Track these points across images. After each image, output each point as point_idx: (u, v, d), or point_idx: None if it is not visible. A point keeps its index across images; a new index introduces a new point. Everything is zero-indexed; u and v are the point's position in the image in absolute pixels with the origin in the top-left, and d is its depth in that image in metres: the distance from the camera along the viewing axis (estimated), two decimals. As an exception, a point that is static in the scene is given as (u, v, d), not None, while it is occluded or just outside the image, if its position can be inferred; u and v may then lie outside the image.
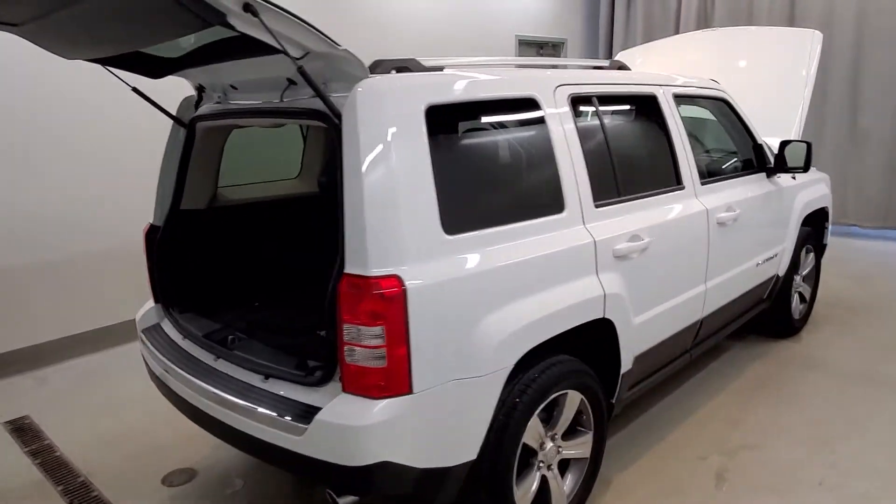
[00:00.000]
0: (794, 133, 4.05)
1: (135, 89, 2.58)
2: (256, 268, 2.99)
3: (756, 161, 3.65)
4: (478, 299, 1.99)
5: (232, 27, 1.62)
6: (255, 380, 2.20)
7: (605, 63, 2.92)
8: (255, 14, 1.58)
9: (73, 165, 4.26)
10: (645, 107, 2.93)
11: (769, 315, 4.15)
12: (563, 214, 2.32)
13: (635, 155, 2.87)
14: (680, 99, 3.11)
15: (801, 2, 7.00)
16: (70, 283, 4.35)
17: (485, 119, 2.20)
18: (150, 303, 2.83)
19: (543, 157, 2.30)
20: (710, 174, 3.25)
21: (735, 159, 3.63)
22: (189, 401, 2.33)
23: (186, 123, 2.66)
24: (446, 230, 1.95)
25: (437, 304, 1.89)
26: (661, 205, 2.77)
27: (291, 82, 2.15)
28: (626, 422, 3.26)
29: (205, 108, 2.61)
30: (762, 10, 7.23)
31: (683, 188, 2.93)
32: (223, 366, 2.33)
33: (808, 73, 4.18)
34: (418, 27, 6.49)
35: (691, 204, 2.94)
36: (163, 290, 2.74)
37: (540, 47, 8.23)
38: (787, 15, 7.04)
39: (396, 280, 1.82)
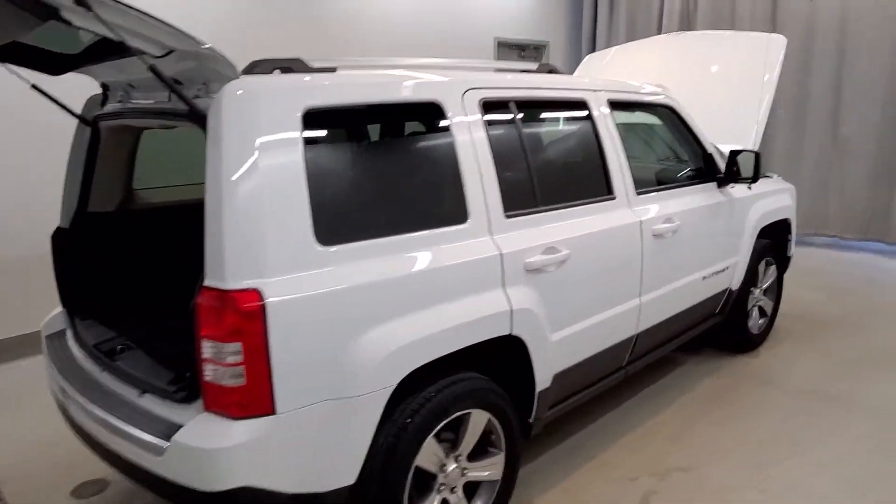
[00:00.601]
0: (752, 141, 3.92)
1: (34, 86, 2.48)
2: (165, 273, 2.89)
3: (705, 171, 3.52)
4: (355, 314, 1.88)
5: (68, 22, 1.52)
6: (132, 394, 2.09)
7: (533, 67, 2.80)
8: (88, 8, 1.48)
9: None
10: (574, 113, 2.81)
11: (724, 329, 4.02)
12: (466, 225, 2.20)
13: (558, 163, 2.75)
14: (617, 105, 2.99)
15: (783, 7, 6.85)
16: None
17: (375, 124, 2.09)
18: (58, 308, 2.73)
19: (445, 166, 2.19)
20: (651, 184, 3.13)
21: (682, 169, 3.51)
22: (70, 411, 2.23)
23: (90, 122, 2.56)
24: (321, 241, 1.84)
25: (306, 320, 1.78)
26: (585, 215, 2.65)
27: (177, 82, 2.05)
28: (559, 440, 3.14)
29: (108, 107, 2.51)
30: (744, 14, 7.09)
31: (614, 198, 2.81)
32: (106, 378, 2.22)
33: (770, 79, 4.05)
34: (389, 27, 6.38)
35: (623, 215, 2.82)
36: (68, 295, 2.64)
37: (521, 50, 8.11)
38: (769, 19, 6.90)
39: (256, 294, 1.71)
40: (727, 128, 4.03)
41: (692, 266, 3.31)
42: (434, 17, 6.78)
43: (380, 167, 2.09)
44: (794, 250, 6.45)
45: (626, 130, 3.74)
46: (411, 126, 2.18)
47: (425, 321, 2.02)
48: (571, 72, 5.79)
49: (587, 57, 5.11)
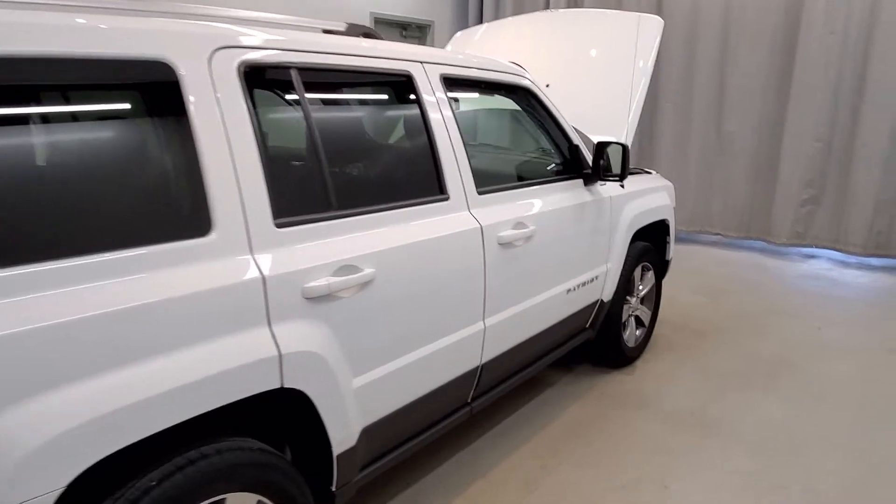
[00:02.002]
0: (625, 132, 3.47)
1: None
2: None
3: (570, 166, 3.03)
4: (-19, 386, 1.19)
5: None
6: None
7: (341, 27, 2.17)
8: None
9: None
10: (391, 90, 2.21)
11: (596, 346, 3.57)
12: (210, 238, 1.55)
13: (366, 155, 2.14)
14: (455, 83, 2.42)
15: (669, -4, 6.59)
16: None
17: (45, 93, 1.38)
18: None
19: (169, 154, 1.52)
20: (502, 181, 2.58)
21: (542, 164, 2.99)
22: None
23: None
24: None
25: None
26: (402, 221, 2.05)
27: None
28: (387, 495, 2.55)
29: None
30: (630, 1, 6.77)
31: (448, 199, 2.23)
32: None
33: (646, 65, 3.61)
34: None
35: (458, 220, 2.24)
36: None
37: (403, 29, 7.48)
38: (655, 6, 6.60)
39: None
40: (600, 118, 3.56)
41: (553, 278, 2.80)
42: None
43: (49, 158, 1.38)
44: (680, 249, 6.17)
45: (474, 116, 3.18)
46: (114, 96, 1.48)
47: (113, 388, 1.34)
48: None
49: (457, 34, 4.54)
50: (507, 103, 2.86)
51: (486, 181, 2.46)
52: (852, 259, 6.18)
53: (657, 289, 3.98)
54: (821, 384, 3.58)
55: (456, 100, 3.00)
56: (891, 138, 5.64)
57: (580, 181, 3.03)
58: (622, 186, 3.36)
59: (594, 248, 3.11)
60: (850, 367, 3.82)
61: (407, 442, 2.26)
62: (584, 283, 3.06)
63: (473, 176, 2.36)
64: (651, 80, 6.85)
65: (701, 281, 5.56)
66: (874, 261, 6.11)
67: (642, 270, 3.78)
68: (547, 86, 3.81)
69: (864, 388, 3.54)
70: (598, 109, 3.60)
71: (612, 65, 3.68)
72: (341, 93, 2.10)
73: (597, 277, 3.18)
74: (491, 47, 4.17)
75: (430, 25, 7.65)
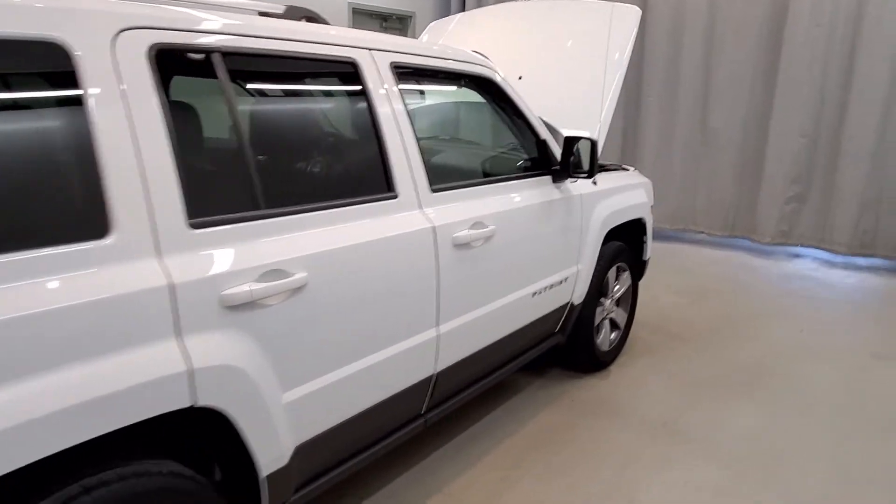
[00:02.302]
0: (597, 126, 3.32)
1: None
2: None
3: (538, 162, 2.87)
4: None
5: None
6: None
7: (279, 9, 2.00)
8: None
9: None
10: (332, 79, 2.05)
11: (567, 350, 3.43)
12: (108, 241, 1.38)
13: (297, 150, 1.97)
14: (408, 73, 2.25)
15: (655, -12, 6.43)
16: None
17: None
18: None
19: (63, 147, 1.35)
20: (463, 177, 2.42)
21: (507, 159, 2.84)
22: None
23: None
24: None
25: None
26: (338, 222, 1.88)
27: None
28: (337, 512, 2.40)
29: None
30: (616, -7, 6.61)
31: (396, 197, 2.07)
32: None
33: (622, 57, 3.46)
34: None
35: (407, 220, 2.08)
36: None
37: (383, 20, 7.29)
38: (638, 1, 6.45)
39: None
40: (573, 112, 3.40)
41: (517, 281, 2.65)
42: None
43: None
44: (663, 247, 6.04)
45: (433, 109, 3.03)
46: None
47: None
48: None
49: (430, 25, 4.37)
50: (470, 95, 2.70)
51: (443, 178, 2.30)
52: (838, 258, 6.06)
53: (633, 290, 3.83)
54: (801, 392, 3.45)
55: (421, 92, 2.85)
56: (877, 134, 5.51)
57: (548, 178, 2.87)
58: (594, 183, 3.21)
59: (563, 249, 2.95)
60: (833, 373, 3.68)
61: (351, 458, 2.10)
62: (551, 286, 2.90)
63: (427, 173, 2.20)
64: (635, 73, 6.73)
65: (683, 281, 5.42)
66: (860, 260, 5.99)
67: (617, 271, 3.64)
68: (520, 78, 3.65)
69: (847, 396, 3.41)
70: (572, 103, 3.44)
71: (586, 56, 3.52)
72: (273, 82, 1.94)
73: (566, 279, 3.02)
74: (464, 38, 4.00)
75: (411, 17, 7.47)
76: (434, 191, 2.21)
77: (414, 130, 2.17)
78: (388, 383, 2.09)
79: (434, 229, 2.15)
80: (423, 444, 2.86)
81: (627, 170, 4.00)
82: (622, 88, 6.78)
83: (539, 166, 2.87)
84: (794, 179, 5.96)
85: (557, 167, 2.86)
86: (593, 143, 2.75)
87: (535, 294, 2.79)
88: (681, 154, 6.55)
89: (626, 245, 3.61)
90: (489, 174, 2.63)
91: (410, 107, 2.22)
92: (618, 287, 3.67)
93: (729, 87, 6.17)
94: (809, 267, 5.93)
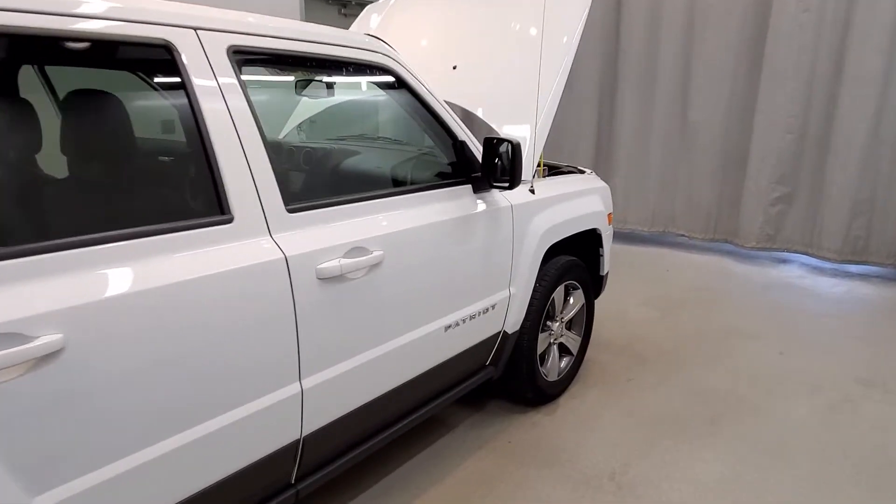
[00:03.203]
0: (536, 122, 2.84)
1: None
2: None
3: (455, 168, 2.40)
4: None
5: None
6: None
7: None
8: None
9: None
10: (136, 67, 1.57)
11: (506, 382, 2.96)
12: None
13: (76, 161, 1.50)
14: (255, 59, 1.77)
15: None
16: None
17: None
18: None
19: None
20: (334, 192, 1.94)
21: (411, 166, 2.36)
22: None
23: None
24: None
25: None
26: (137, 258, 1.41)
27: None
28: None
29: None
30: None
31: (231, 221, 1.59)
32: None
33: (571, 41, 2.97)
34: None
35: (246, 249, 1.61)
36: None
37: (342, 6, 6.79)
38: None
39: None
40: (515, 106, 2.93)
41: (421, 315, 2.18)
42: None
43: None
44: (640, 252, 5.58)
45: (305, 104, 2.55)
46: None
47: None
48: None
49: (366, 9, 3.88)
50: (361, 88, 2.22)
51: (309, 194, 1.84)
52: (827, 265, 5.59)
53: (589, 310, 3.36)
54: (775, 431, 2.98)
55: (310, 82, 2.37)
56: (870, 130, 5.03)
57: (468, 187, 2.40)
58: (532, 192, 2.73)
59: (488, 271, 2.48)
60: (814, 405, 3.22)
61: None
62: (472, 316, 2.44)
63: (283, 189, 1.72)
64: (609, 63, 6.22)
65: (657, 290, 4.95)
66: (852, 268, 5.52)
67: (567, 290, 3.17)
68: (454, 68, 3.17)
69: (828, 434, 2.94)
70: (512, 97, 2.96)
71: (529, 41, 3.03)
72: (40, 69, 1.46)
73: (494, 306, 2.56)
74: (396, 25, 3.52)
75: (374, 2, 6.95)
76: (292, 210, 1.73)
77: (262, 134, 1.69)
78: (228, 458, 1.62)
79: (286, 260, 1.68)
80: (325, 498, 2.40)
81: (584, 172, 3.54)
82: (596, 82, 6.29)
83: (457, 173, 2.39)
84: (780, 179, 5.48)
85: (478, 174, 2.39)
86: (514, 146, 2.27)
87: (449, 328, 2.32)
88: (659, 151, 6.07)
89: (578, 259, 3.15)
90: (388, 185, 2.16)
91: (267, 103, 1.74)
92: (568, 308, 3.21)
93: (710, 76, 5.68)
94: (795, 274, 5.46)
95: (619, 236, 6.40)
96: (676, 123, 5.96)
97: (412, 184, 2.20)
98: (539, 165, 3.14)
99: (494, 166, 2.35)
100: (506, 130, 2.87)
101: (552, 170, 3.62)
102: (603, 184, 3.44)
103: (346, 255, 1.84)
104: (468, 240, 2.33)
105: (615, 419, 3.05)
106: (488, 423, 2.98)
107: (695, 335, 4.08)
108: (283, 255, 1.67)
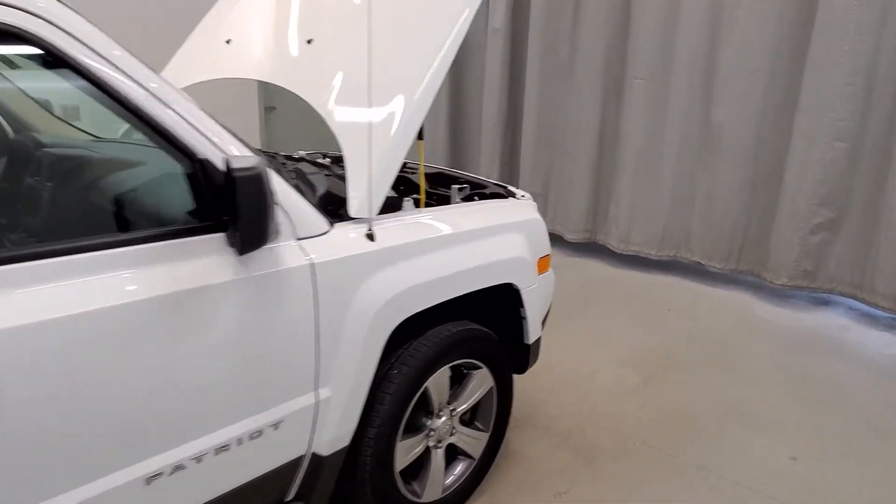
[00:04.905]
0: (393, 132, 1.85)
1: None
2: None
3: (189, 204, 1.43)
4: None
5: None
6: None
7: None
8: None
9: None
10: None
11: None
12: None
13: None
14: None
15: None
16: None
17: None
18: None
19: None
20: None
21: (92, 203, 1.42)
22: None
23: None
24: None
25: None
26: None
27: None
28: None
29: None
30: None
31: None
32: None
33: (453, 32, 1.97)
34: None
35: None
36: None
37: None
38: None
39: None
40: (382, 95, 1.95)
41: (68, 467, 1.24)
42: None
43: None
44: (642, 280, 4.57)
45: None
46: None
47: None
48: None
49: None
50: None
51: None
52: (881, 314, 4.33)
53: (503, 393, 2.36)
54: None
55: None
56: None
57: (218, 237, 1.43)
58: (370, 238, 1.75)
59: (258, 372, 1.52)
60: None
61: None
62: (226, 446, 1.48)
63: None
64: (616, 46, 5.06)
65: (646, 341, 3.86)
66: (915, 317, 4.27)
67: (458, 372, 2.18)
68: (308, 42, 2.21)
69: None
70: (383, 79, 1.97)
71: (411, 32, 2.05)
72: None
73: (282, 422, 1.59)
74: (258, 10, 2.57)
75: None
76: None
77: None
78: None
79: None
80: None
81: (514, 196, 2.53)
82: (598, 71, 5.18)
83: (198, 214, 1.43)
84: (824, 200, 4.27)
85: (228, 217, 1.41)
86: (256, 177, 1.28)
87: (155, 477, 1.37)
88: (674, 157, 4.92)
89: (480, 328, 2.16)
90: (15, 237, 1.22)
91: None
92: (464, 396, 2.21)
93: (739, 68, 4.49)
94: (838, 324, 4.25)
95: (619, 259, 5.29)
96: (696, 124, 4.79)
97: (75, 236, 1.26)
98: (421, 187, 2.15)
99: (266, 206, 1.38)
100: (350, 140, 1.89)
101: (474, 188, 2.63)
102: (535, 216, 2.42)
103: None
104: (198, 330, 1.37)
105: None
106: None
107: (679, 418, 3.00)
108: None
